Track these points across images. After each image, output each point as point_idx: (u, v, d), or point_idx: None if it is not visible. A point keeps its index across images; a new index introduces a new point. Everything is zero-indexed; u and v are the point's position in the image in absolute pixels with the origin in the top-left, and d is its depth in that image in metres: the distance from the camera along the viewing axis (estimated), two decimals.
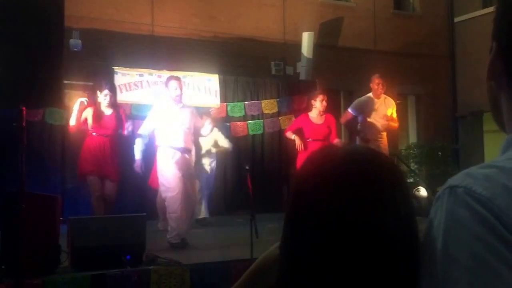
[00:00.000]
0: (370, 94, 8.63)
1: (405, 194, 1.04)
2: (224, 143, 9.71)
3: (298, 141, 8.31)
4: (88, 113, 7.43)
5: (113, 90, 7.80)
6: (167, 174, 7.11)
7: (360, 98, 8.74)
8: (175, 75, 8.01)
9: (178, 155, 7.12)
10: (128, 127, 7.72)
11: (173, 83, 7.26)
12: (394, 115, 8.75)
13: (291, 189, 1.10)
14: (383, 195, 1.00)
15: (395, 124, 8.83)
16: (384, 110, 8.56)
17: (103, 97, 7.45)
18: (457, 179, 0.94)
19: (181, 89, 7.31)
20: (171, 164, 7.05)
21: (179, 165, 7.07)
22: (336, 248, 0.98)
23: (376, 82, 8.52)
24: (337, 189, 1.00)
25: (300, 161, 8.49)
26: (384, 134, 8.62)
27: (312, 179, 1.05)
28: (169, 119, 7.19)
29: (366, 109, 8.53)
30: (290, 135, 8.52)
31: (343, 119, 8.78)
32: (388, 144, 8.76)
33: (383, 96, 8.62)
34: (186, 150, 7.26)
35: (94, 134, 7.43)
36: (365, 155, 1.07)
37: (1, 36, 4.72)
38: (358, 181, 1.00)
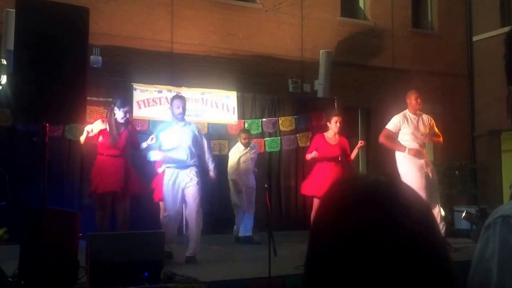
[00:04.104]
0: (407, 110, 8.41)
1: (429, 223, 1.00)
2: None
3: (315, 155, 8.45)
4: (101, 128, 7.34)
5: (131, 107, 7.77)
6: (165, 194, 7.43)
7: (397, 115, 8.45)
8: (180, 94, 8.26)
9: (177, 173, 7.36)
10: (141, 143, 7.61)
11: (176, 102, 7.59)
12: (436, 129, 8.51)
13: (313, 217, 1.08)
14: (404, 222, 0.96)
15: (439, 138, 8.59)
16: (422, 126, 8.34)
17: (122, 113, 7.30)
18: (508, 209, 0.92)
19: (183, 108, 7.55)
20: (170, 185, 7.34)
21: (178, 185, 7.34)
22: (357, 273, 0.94)
23: (414, 97, 8.32)
24: (358, 216, 0.97)
25: (313, 178, 8.55)
26: (424, 150, 8.41)
27: (334, 207, 1.03)
28: (171, 137, 7.44)
29: (404, 124, 8.30)
30: (308, 157, 8.65)
31: (381, 138, 8.43)
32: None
33: (418, 112, 8.40)
34: (186, 167, 7.42)
35: (104, 155, 7.33)
36: (386, 184, 1.04)
37: (26, 52, 4.78)
38: (378, 208, 0.98)
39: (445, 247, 0.99)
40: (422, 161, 8.23)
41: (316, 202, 8.20)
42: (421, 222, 0.98)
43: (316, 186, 8.23)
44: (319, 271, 1.00)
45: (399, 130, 8.30)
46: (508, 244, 0.88)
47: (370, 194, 1.00)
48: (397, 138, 8.33)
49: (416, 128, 8.28)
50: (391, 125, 8.36)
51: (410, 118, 8.33)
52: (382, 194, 1.00)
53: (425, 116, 8.47)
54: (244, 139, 9.76)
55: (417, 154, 8.17)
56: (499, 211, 0.93)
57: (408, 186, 1.05)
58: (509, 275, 0.86)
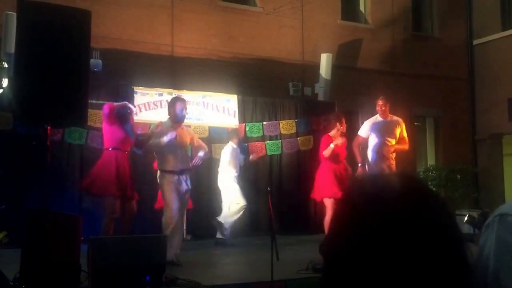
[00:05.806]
0: (377, 115, 8.70)
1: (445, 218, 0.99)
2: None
3: (331, 149, 8.38)
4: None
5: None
6: (166, 195, 7.21)
7: (367, 120, 8.80)
8: (181, 96, 8.14)
9: (175, 178, 7.22)
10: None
11: (182, 104, 7.43)
12: (404, 133, 8.71)
13: (333, 217, 1.07)
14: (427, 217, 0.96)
15: (406, 145, 8.75)
16: (391, 130, 8.58)
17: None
18: (506, 207, 0.94)
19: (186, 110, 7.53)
20: (170, 187, 7.16)
21: (176, 187, 7.20)
22: (381, 272, 0.93)
23: (379, 105, 8.61)
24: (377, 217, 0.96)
25: (322, 181, 8.49)
26: (394, 155, 8.58)
27: (350, 209, 1.02)
28: (169, 142, 7.29)
29: (375, 128, 8.54)
30: (328, 151, 8.47)
31: (354, 144, 8.69)
32: (397, 166, 8.72)
33: (390, 116, 8.65)
34: (183, 172, 7.29)
35: (110, 149, 7.21)
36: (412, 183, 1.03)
37: (27, 55, 4.76)
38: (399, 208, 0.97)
39: (463, 243, 0.98)
40: (385, 166, 8.40)
41: (328, 203, 8.18)
42: (438, 219, 0.98)
43: (327, 188, 8.24)
44: (336, 272, 0.99)
45: (369, 135, 8.59)
46: (503, 241, 0.90)
47: (383, 194, 0.99)
48: (368, 142, 8.61)
49: (386, 132, 8.51)
50: (362, 131, 8.71)
51: (380, 123, 8.57)
52: (395, 193, 0.99)
53: (396, 120, 8.70)
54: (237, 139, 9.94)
55: (382, 159, 8.40)
56: (498, 210, 0.95)
57: (423, 183, 1.04)
58: (503, 271, 0.87)
